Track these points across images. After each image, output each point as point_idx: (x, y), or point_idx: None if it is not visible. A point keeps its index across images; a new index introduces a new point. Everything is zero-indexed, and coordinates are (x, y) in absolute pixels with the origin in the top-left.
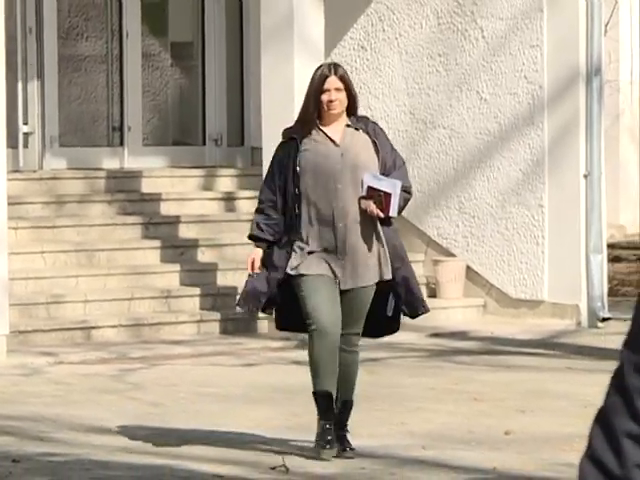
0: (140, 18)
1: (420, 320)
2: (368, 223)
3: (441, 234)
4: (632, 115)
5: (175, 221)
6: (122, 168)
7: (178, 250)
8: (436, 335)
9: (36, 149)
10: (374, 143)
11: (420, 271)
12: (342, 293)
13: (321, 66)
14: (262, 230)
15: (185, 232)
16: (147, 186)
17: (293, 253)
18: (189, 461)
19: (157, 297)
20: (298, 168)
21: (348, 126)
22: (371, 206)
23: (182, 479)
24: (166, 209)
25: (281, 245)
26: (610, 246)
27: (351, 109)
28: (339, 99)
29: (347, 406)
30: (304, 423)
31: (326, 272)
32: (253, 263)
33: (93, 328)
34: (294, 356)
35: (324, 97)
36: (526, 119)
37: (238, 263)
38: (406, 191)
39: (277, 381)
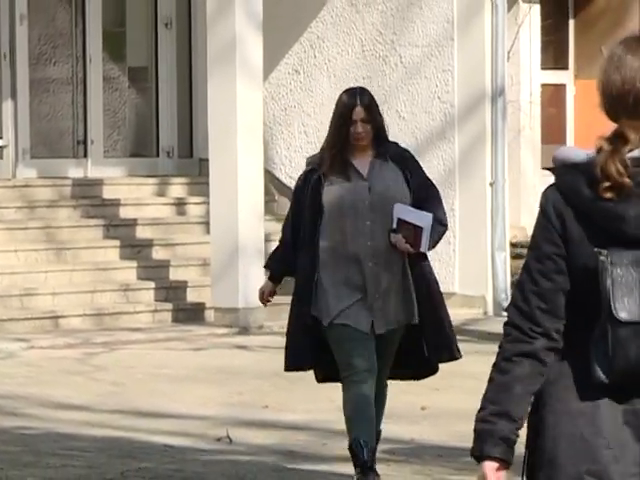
0: (101, 46)
1: None
2: (397, 259)
3: None
4: (531, 131)
5: (132, 223)
6: (86, 177)
7: (135, 249)
8: None
9: (10, 160)
10: (403, 173)
11: None
12: (375, 337)
13: (347, 91)
14: (275, 266)
15: (141, 233)
16: (108, 193)
17: (317, 295)
18: (144, 433)
19: (117, 290)
20: (322, 203)
21: (376, 157)
22: (400, 240)
23: (138, 449)
24: (125, 213)
25: (305, 284)
26: (512, 245)
27: (378, 137)
28: (366, 130)
29: (376, 437)
30: (246, 400)
31: (355, 322)
32: (263, 294)
33: (61, 317)
34: (237, 341)
35: (350, 129)
36: (439, 134)
37: (188, 260)
38: (441, 223)
39: (222, 363)
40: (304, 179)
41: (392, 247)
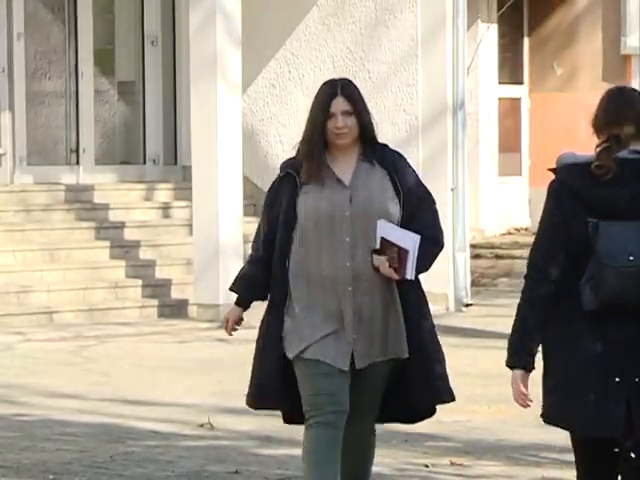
0: (93, 61)
1: None
2: (384, 283)
3: None
4: (489, 141)
5: (121, 226)
6: (78, 183)
7: (124, 249)
8: None
9: (8, 167)
10: (392, 180)
11: None
12: (355, 373)
13: (328, 82)
14: (244, 289)
15: (129, 235)
16: (99, 197)
17: (286, 323)
18: (132, 420)
19: (107, 287)
20: (296, 214)
21: (361, 160)
22: (384, 264)
23: (126, 434)
24: (114, 216)
25: (274, 311)
26: (472, 246)
27: (364, 136)
28: (348, 125)
29: None
30: (226, 389)
31: (330, 358)
32: (228, 322)
33: (55, 312)
34: (217, 335)
35: (329, 124)
36: (404, 144)
37: (172, 260)
38: (433, 242)
39: (204, 355)
40: (277, 187)
41: (375, 270)
